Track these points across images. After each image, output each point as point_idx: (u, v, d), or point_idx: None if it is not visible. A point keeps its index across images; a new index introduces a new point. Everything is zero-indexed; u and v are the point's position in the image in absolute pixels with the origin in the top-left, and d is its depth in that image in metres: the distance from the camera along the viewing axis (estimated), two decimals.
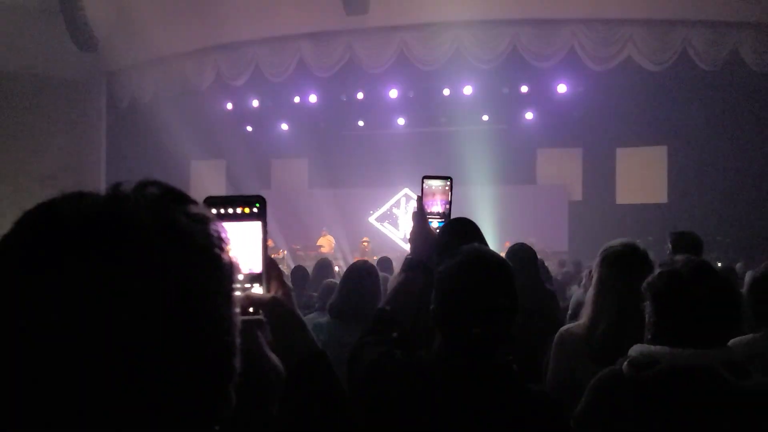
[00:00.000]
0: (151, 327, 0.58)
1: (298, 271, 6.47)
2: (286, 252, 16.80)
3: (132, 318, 0.57)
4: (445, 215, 1.94)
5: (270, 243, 1.09)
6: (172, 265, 0.60)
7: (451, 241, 1.79)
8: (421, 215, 1.90)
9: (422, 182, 1.92)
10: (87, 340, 0.56)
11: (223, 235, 0.66)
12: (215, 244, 0.65)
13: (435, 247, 1.83)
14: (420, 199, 1.92)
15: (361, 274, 3.52)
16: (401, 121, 18.47)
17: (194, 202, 0.67)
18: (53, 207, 0.61)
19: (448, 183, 1.93)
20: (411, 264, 1.87)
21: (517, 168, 18.22)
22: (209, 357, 0.62)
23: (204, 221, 0.65)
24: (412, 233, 1.90)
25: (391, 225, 19.12)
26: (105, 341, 0.56)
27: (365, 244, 17.03)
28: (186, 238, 0.62)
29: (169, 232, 0.62)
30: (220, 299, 0.65)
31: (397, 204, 19.16)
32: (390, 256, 8.77)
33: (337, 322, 3.34)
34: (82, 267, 0.57)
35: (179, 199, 0.66)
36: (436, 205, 1.94)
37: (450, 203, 1.93)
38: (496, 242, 16.40)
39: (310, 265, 8.24)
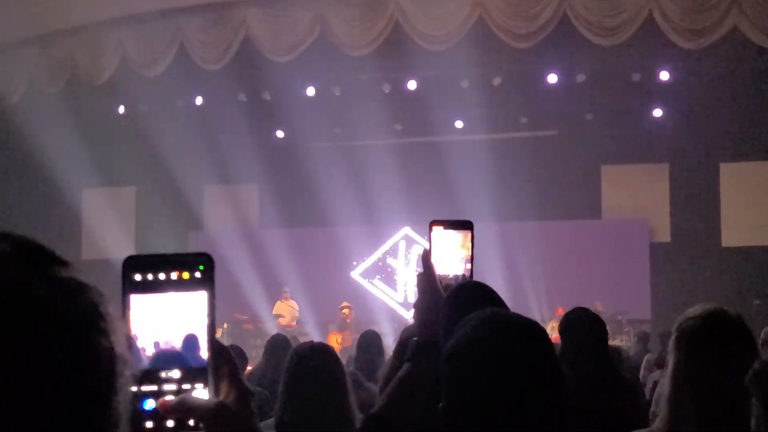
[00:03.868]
0: None
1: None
2: (226, 326, 16.97)
3: None
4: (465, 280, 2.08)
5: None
6: (21, 352, 0.64)
7: (458, 313, 1.87)
8: (430, 278, 2.02)
9: (430, 230, 2.05)
10: None
11: (102, 309, 0.70)
12: (89, 323, 0.69)
13: (439, 324, 1.95)
14: (428, 255, 2.03)
15: (303, 371, 3.63)
16: (397, 127, 18.71)
17: (62, 263, 0.71)
18: None
19: (469, 233, 2.06)
20: (419, 349, 1.97)
21: (572, 195, 18.62)
22: None
23: (74, 290, 0.69)
24: (419, 304, 2.02)
25: (384, 282, 19.10)
26: None
27: (345, 312, 17.05)
28: (44, 315, 0.66)
29: (18, 306, 0.65)
30: (94, 402, 0.68)
31: (394, 250, 19.11)
32: (381, 329, 8.73)
33: None
34: None
35: (39, 258, 0.70)
36: (451, 265, 2.06)
37: (472, 261, 2.07)
38: (542, 307, 16.58)
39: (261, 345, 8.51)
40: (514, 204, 17.87)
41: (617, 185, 18.92)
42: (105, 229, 18.97)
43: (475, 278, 2.13)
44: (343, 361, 6.41)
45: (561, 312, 12.34)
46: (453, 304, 1.98)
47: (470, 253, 2.07)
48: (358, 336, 8.02)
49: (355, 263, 19.23)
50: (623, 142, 18.08)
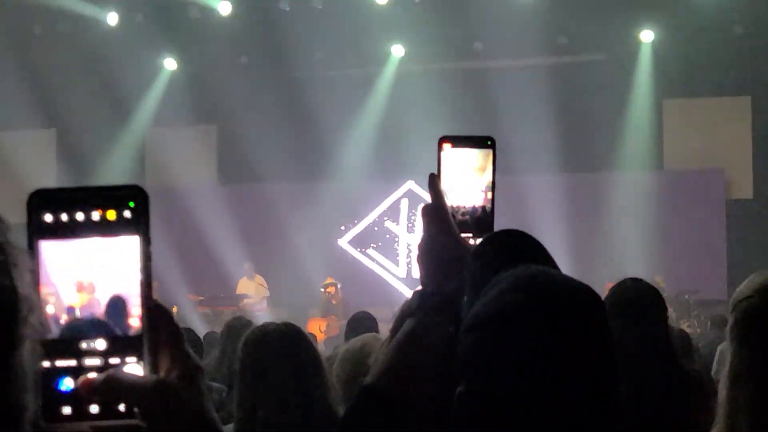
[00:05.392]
0: None
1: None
2: (176, 309, 17.01)
3: None
4: (483, 218, 2.05)
5: (155, 285, 1.18)
6: None
7: (488, 272, 1.83)
8: (439, 210, 1.99)
9: (439, 149, 2.05)
10: None
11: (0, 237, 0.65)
12: None
13: (464, 280, 1.89)
14: (436, 181, 2.02)
15: (263, 358, 3.73)
16: (398, 50, 18.56)
17: None
18: None
19: (490, 152, 2.05)
20: (427, 300, 1.95)
21: (624, 139, 18.60)
22: None
23: None
24: (425, 246, 2.00)
25: (382, 253, 19.18)
26: None
27: (329, 291, 17.23)
28: None
29: None
30: None
31: (394, 211, 19.11)
32: (377, 314, 8.56)
33: None
34: None
35: None
36: (467, 194, 2.05)
37: (494, 189, 2.04)
38: (587, 280, 16.41)
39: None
40: (548, 151, 17.90)
41: (683, 125, 18.84)
42: (14, 184, 17.99)
43: (497, 219, 2.07)
44: (329, 353, 6.42)
45: (610, 286, 12.95)
46: (481, 259, 1.90)
47: (491, 179, 2.05)
48: (346, 322, 7.97)
49: (343, 228, 19.23)
50: (692, 67, 17.96)
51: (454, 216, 2.01)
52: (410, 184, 18.86)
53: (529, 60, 18.37)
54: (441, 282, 1.94)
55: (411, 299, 1.98)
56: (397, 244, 19.17)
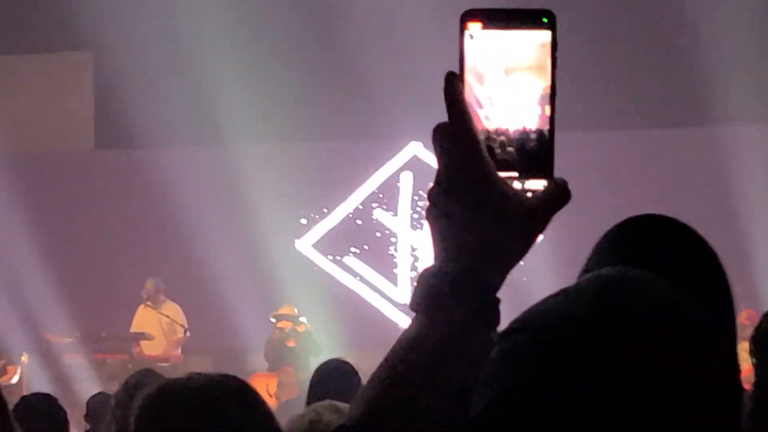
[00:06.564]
0: None
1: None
2: (26, 358, 16.56)
3: None
4: (539, 149, 1.94)
5: None
6: None
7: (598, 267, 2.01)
8: (461, 129, 1.88)
9: (462, 31, 1.91)
10: None
11: None
12: None
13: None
14: (454, 81, 1.89)
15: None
16: None
17: None
18: None
19: (548, 34, 1.90)
20: (439, 289, 1.92)
21: (725, 84, 19.22)
22: None
23: None
24: (437, 191, 1.96)
25: (367, 263, 18.73)
26: None
27: (282, 327, 16.79)
28: None
29: None
30: None
31: (388, 192, 18.64)
32: (359, 358, 9.77)
33: None
34: None
35: None
36: (509, 113, 1.92)
37: (554, 103, 1.89)
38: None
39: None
40: (627, 98, 18.18)
41: None
42: None
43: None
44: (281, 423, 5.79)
45: (750, 319, 12.53)
46: (599, 253, 1.96)
47: (551, 82, 1.80)
48: (309, 377, 8.62)
49: (304, 222, 18.88)
50: None
51: (490, 147, 1.86)
52: (415, 148, 18.21)
53: None
54: (464, 257, 1.85)
55: (415, 286, 1.89)
56: (395, 248, 18.50)
